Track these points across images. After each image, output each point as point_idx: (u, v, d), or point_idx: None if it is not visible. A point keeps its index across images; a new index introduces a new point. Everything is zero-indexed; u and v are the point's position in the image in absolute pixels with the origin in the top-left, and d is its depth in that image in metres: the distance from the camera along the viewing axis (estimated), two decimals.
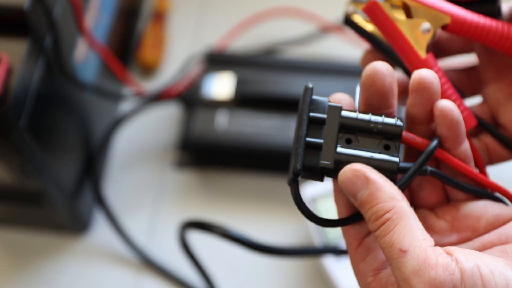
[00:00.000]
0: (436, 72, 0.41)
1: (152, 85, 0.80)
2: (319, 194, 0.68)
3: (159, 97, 0.75)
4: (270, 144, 0.70)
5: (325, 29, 0.82)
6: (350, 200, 0.38)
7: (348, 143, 0.38)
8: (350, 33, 0.82)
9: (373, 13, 0.41)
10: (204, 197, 0.74)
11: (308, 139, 0.38)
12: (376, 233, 0.36)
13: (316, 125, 0.38)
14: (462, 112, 0.41)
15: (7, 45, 0.53)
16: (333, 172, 0.38)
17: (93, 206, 0.73)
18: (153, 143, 0.77)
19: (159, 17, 0.83)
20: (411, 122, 0.40)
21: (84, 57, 0.66)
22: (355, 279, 0.39)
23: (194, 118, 0.72)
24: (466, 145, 0.39)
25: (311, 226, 0.67)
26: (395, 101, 0.39)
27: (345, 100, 0.40)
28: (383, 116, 0.38)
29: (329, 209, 0.67)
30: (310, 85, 0.39)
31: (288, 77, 0.73)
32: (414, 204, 0.41)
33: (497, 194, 0.41)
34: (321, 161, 0.38)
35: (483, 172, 0.42)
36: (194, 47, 0.83)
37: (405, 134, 0.39)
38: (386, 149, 0.38)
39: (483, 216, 0.39)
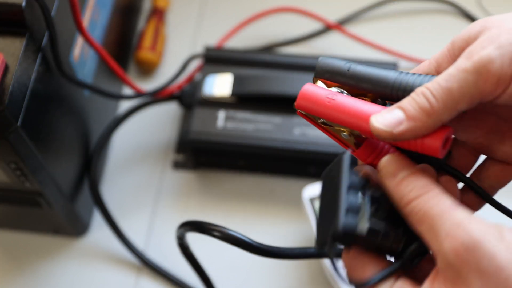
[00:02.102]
0: (372, 160, 0.43)
1: (151, 84, 0.80)
2: (317, 194, 0.68)
3: (158, 97, 0.75)
4: (269, 144, 0.70)
5: (325, 28, 0.82)
6: (382, 182, 0.40)
7: (376, 212, 0.40)
8: (349, 31, 0.82)
9: (303, 116, 0.43)
10: (204, 198, 0.74)
11: (348, 202, 0.39)
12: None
13: (352, 191, 0.40)
14: None
15: (4, 44, 0.52)
16: (363, 238, 0.39)
17: (92, 207, 0.73)
18: (152, 143, 0.77)
19: (158, 16, 0.83)
20: None
21: (82, 56, 0.66)
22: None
23: (193, 118, 0.71)
24: None
25: (313, 226, 0.67)
26: None
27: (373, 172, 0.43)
28: None
29: None
30: (348, 153, 0.41)
31: (288, 75, 0.73)
32: None
33: None
34: (359, 225, 0.39)
35: None
36: (194, 47, 0.82)
37: None
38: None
39: None
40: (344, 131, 0.43)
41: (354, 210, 0.39)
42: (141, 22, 0.84)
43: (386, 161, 0.40)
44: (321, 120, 0.43)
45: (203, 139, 0.70)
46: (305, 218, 0.69)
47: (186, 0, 0.86)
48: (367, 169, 0.43)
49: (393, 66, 0.73)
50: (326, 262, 0.65)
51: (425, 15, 0.84)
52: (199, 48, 0.81)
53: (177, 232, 0.58)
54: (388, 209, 0.40)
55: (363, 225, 0.39)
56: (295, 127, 0.70)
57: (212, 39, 0.82)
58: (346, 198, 0.39)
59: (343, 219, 0.38)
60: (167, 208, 0.73)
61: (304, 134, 0.70)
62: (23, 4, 0.52)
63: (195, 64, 0.79)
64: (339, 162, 0.41)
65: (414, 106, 0.39)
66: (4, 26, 0.53)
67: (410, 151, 0.41)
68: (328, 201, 0.40)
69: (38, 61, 0.55)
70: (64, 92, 0.63)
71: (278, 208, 0.73)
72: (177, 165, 0.75)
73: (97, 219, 0.73)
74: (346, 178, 0.40)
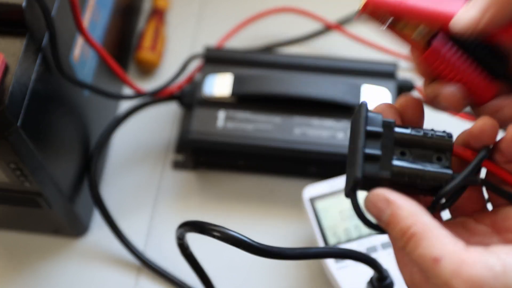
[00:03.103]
0: (446, 52, 0.41)
1: (152, 84, 0.80)
2: (318, 194, 0.68)
3: (158, 97, 0.75)
4: (269, 144, 0.70)
5: (325, 28, 0.82)
6: (379, 224, 0.39)
7: (403, 155, 0.40)
8: (350, 31, 0.82)
9: (369, 20, 0.42)
10: (204, 198, 0.74)
11: (366, 150, 0.39)
12: (407, 249, 0.37)
13: (372, 138, 0.40)
14: (481, 81, 0.42)
15: (4, 44, 0.52)
16: (389, 183, 0.39)
17: (91, 207, 0.73)
18: (152, 143, 0.77)
19: (158, 16, 0.83)
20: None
21: (82, 56, 0.66)
22: (400, 275, 0.40)
23: (193, 118, 0.71)
24: None
25: (313, 226, 0.67)
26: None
27: (389, 109, 0.42)
28: (433, 130, 0.41)
29: (327, 209, 0.67)
30: (366, 102, 0.41)
31: (288, 76, 0.73)
32: (452, 214, 0.43)
33: None
34: (380, 171, 0.39)
35: None
36: (194, 47, 0.82)
37: (455, 146, 0.41)
38: (439, 161, 0.40)
39: None
40: (415, 29, 0.41)
41: (373, 158, 0.39)
42: (141, 22, 0.84)
43: (367, 202, 0.39)
44: (390, 21, 0.41)
45: (203, 139, 0.70)
46: (305, 218, 0.69)
47: (186, 0, 0.86)
48: (384, 108, 0.42)
49: (393, 66, 0.73)
50: (327, 262, 0.65)
51: None
52: (199, 48, 0.81)
53: (177, 232, 0.58)
54: (417, 148, 0.40)
55: (385, 171, 0.39)
56: (295, 127, 0.70)
57: (212, 39, 0.82)
58: (362, 148, 0.39)
59: (359, 169, 0.38)
60: (167, 208, 0.73)
61: (304, 134, 0.70)
62: (24, 4, 0.52)
63: (195, 64, 0.79)
64: (358, 109, 0.40)
65: None
66: (4, 26, 0.53)
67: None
68: (351, 150, 0.40)
69: (38, 61, 0.55)
70: (64, 92, 0.63)
71: (278, 208, 0.73)
72: (177, 165, 0.75)
73: (97, 219, 0.73)
74: (363, 126, 0.39)
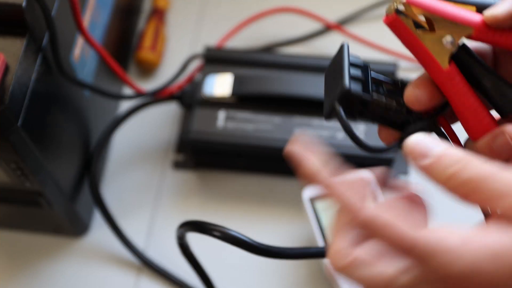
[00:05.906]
0: (457, 83, 0.41)
1: (152, 84, 0.80)
2: (318, 194, 0.68)
3: (158, 97, 0.75)
4: (269, 144, 0.70)
5: (325, 28, 0.82)
6: (414, 164, 0.39)
7: (378, 92, 0.42)
8: (350, 31, 0.82)
9: (394, 26, 0.43)
10: (204, 198, 0.74)
11: (351, 71, 0.41)
12: (459, 194, 0.37)
13: (354, 67, 0.42)
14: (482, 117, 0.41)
15: (4, 44, 0.52)
16: (366, 110, 0.41)
17: (92, 207, 0.73)
18: (152, 143, 0.77)
19: (158, 16, 0.83)
20: None
21: (83, 56, 0.66)
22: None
23: (193, 118, 0.71)
24: None
25: (313, 226, 0.67)
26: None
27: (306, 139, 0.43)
28: (403, 81, 0.43)
29: (327, 209, 0.67)
30: (347, 43, 0.42)
31: (288, 76, 0.73)
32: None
33: None
34: (363, 93, 0.40)
35: None
36: (194, 47, 0.83)
37: None
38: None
39: None
40: (447, 35, 0.41)
41: (357, 79, 0.41)
42: (141, 22, 0.85)
43: (413, 143, 0.39)
44: (423, 20, 0.41)
45: (203, 139, 0.70)
46: (305, 218, 0.69)
47: (186, 0, 0.86)
48: None
49: (393, 66, 0.73)
50: (326, 262, 0.65)
51: None
52: (199, 48, 0.81)
53: (177, 232, 0.58)
54: (389, 89, 0.42)
55: (367, 94, 0.41)
56: (295, 127, 0.70)
57: (212, 39, 0.82)
58: (349, 69, 0.41)
59: (348, 78, 0.40)
60: (167, 208, 0.74)
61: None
62: (24, 4, 0.52)
63: (195, 64, 0.79)
64: (339, 51, 0.42)
65: None
66: (5, 26, 0.53)
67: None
68: (332, 80, 0.41)
69: (38, 61, 0.55)
70: (65, 92, 0.63)
71: (278, 208, 0.73)
72: (177, 165, 0.75)
73: (97, 219, 0.73)
74: (347, 58, 0.41)
